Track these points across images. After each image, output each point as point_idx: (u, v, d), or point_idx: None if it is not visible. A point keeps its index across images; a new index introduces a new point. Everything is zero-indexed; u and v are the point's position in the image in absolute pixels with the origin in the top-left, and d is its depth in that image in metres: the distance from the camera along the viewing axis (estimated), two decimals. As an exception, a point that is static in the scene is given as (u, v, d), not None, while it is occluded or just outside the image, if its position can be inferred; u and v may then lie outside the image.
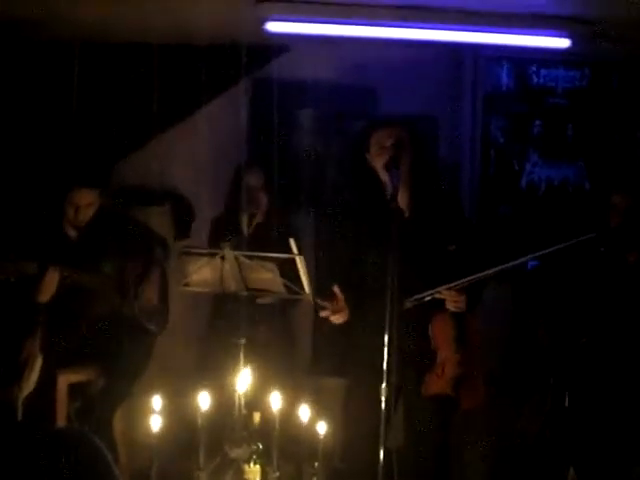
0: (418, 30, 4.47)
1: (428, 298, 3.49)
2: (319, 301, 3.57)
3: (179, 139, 4.94)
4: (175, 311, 4.34)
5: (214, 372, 4.01)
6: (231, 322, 3.79)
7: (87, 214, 4.11)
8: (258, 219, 4.47)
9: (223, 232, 4.33)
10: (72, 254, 4.07)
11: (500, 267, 3.47)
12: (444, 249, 3.63)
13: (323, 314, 3.59)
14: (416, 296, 3.44)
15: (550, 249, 3.38)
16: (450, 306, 3.55)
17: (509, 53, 4.98)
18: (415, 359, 3.50)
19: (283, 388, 3.42)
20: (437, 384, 3.62)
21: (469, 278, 3.48)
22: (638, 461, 3.66)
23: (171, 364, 4.51)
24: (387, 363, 3.23)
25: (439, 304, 3.56)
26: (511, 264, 3.46)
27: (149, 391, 3.37)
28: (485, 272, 3.49)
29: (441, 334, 3.61)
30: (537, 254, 3.43)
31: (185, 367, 4.53)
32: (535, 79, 5.08)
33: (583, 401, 3.77)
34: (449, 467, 3.82)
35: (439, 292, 3.50)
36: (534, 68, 5.07)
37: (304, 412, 3.30)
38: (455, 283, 3.48)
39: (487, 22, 4.40)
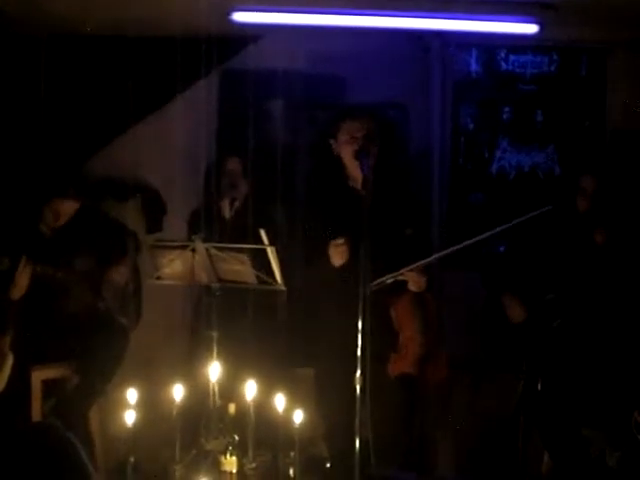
0: (386, 18, 4.48)
1: (390, 281, 3.55)
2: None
3: (150, 132, 4.91)
4: (155, 304, 4.33)
5: (193, 365, 4.01)
6: (207, 315, 3.79)
7: (65, 219, 4.19)
8: (237, 206, 4.45)
9: (202, 222, 4.30)
10: (45, 249, 4.05)
11: (455, 247, 3.52)
12: (402, 233, 3.73)
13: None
14: (379, 279, 3.48)
15: (503, 226, 3.44)
16: (413, 287, 3.64)
17: (477, 40, 4.99)
18: (379, 341, 3.54)
19: (258, 379, 3.43)
20: (401, 364, 3.70)
21: (431, 258, 3.57)
22: (612, 447, 3.70)
23: (151, 358, 4.50)
24: (361, 350, 3.28)
25: (399, 287, 3.64)
26: (464, 244, 3.51)
27: (126, 385, 3.36)
28: (443, 252, 3.58)
29: (404, 315, 3.70)
30: (488, 234, 3.49)
31: (165, 361, 4.51)
32: (504, 65, 5.10)
33: (556, 384, 3.79)
34: (423, 448, 3.88)
35: (401, 274, 3.57)
36: (502, 54, 5.09)
37: (279, 402, 3.31)
38: (417, 263, 3.55)
39: (455, 9, 4.41)
